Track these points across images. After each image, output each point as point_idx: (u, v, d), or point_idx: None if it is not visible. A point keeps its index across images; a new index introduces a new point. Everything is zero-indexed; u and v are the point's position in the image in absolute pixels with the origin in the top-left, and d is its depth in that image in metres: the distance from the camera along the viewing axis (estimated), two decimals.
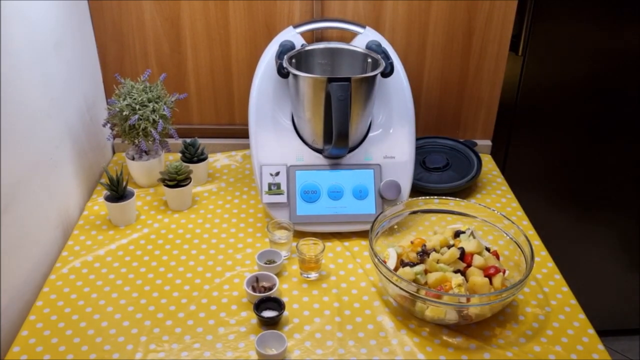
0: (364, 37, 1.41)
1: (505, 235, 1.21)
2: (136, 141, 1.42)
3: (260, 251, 1.23)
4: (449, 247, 1.18)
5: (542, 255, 1.29)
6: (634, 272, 2.11)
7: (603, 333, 1.14)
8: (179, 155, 1.51)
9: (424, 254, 1.16)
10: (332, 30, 1.53)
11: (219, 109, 1.65)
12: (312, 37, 1.54)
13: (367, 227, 1.20)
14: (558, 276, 1.22)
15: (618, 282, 2.13)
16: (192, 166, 1.44)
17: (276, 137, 1.36)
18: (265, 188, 1.31)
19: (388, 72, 1.31)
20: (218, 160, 1.63)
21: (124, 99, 1.38)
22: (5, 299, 1.07)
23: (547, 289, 1.18)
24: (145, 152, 1.47)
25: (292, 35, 1.41)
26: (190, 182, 1.40)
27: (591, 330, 1.08)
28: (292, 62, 1.34)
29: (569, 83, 1.78)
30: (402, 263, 1.15)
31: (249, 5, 1.50)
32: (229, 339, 1.05)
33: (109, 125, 1.43)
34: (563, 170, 1.93)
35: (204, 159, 1.51)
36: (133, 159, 1.47)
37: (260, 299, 1.09)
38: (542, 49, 1.72)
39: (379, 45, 1.37)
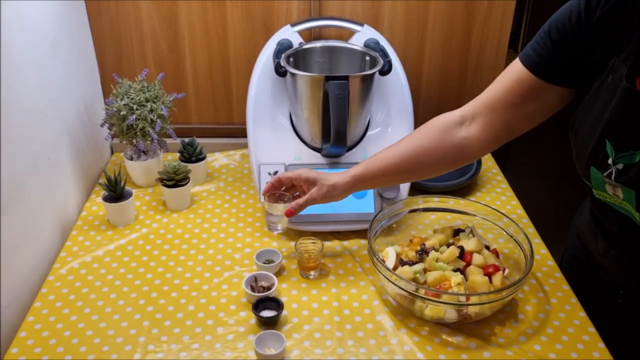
0: (362, 35, 1.40)
1: (504, 233, 1.21)
2: (134, 141, 1.42)
3: (259, 251, 1.23)
4: (448, 245, 1.17)
5: (542, 253, 1.28)
6: None
7: None
8: (178, 155, 1.50)
9: (423, 252, 1.15)
10: (330, 29, 1.53)
11: (217, 108, 1.65)
12: (310, 35, 1.54)
13: (366, 226, 1.19)
14: (558, 274, 1.22)
15: None
16: (190, 166, 1.44)
17: (274, 136, 1.36)
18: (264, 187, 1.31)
19: (386, 70, 1.31)
20: (216, 159, 1.62)
21: (121, 99, 1.37)
22: (3, 300, 1.06)
23: (548, 287, 1.18)
24: (144, 152, 1.47)
25: (290, 33, 1.40)
26: (188, 181, 1.40)
27: (592, 329, 1.08)
28: (290, 60, 1.33)
29: None
30: (401, 262, 1.15)
31: (246, 4, 1.50)
32: (227, 339, 1.05)
33: (106, 125, 1.43)
34: (562, 168, 1.92)
35: (203, 159, 1.50)
36: (131, 159, 1.46)
37: (259, 298, 1.09)
38: None
39: (377, 43, 1.37)
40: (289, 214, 1.14)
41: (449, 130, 1.08)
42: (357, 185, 1.12)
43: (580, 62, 0.94)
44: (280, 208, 1.16)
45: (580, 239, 1.18)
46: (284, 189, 1.17)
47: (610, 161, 0.90)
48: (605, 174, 0.91)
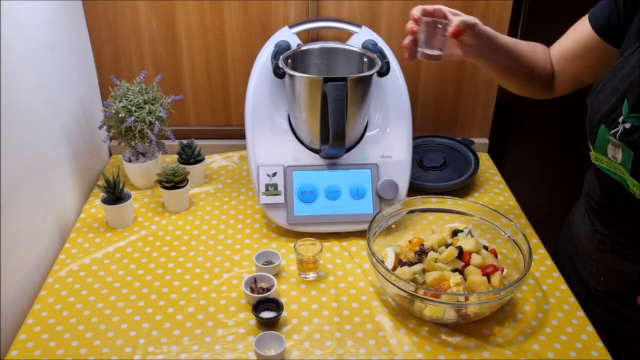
0: (360, 37, 1.41)
1: (503, 233, 1.21)
2: (133, 143, 1.42)
3: (258, 252, 1.23)
4: (447, 246, 1.18)
5: (540, 253, 1.29)
6: None
7: None
8: (176, 156, 1.51)
9: (422, 253, 1.16)
10: (328, 30, 1.53)
11: (216, 110, 1.65)
12: (308, 37, 1.54)
13: (365, 226, 1.20)
14: (556, 274, 1.22)
15: None
16: (189, 168, 1.44)
17: (273, 138, 1.36)
18: (263, 189, 1.31)
19: (384, 72, 1.31)
20: (215, 161, 1.62)
21: (119, 101, 1.37)
22: (3, 303, 1.06)
23: (546, 287, 1.18)
24: (142, 154, 1.47)
25: (288, 35, 1.40)
26: (187, 183, 1.40)
27: (590, 328, 1.08)
28: (288, 62, 1.33)
29: None
30: (400, 262, 1.15)
31: (244, 5, 1.50)
32: (227, 340, 1.05)
33: (105, 127, 1.43)
34: (560, 168, 1.93)
35: (201, 160, 1.50)
36: (130, 160, 1.46)
37: (258, 300, 1.09)
38: None
39: (375, 44, 1.37)
40: (456, 33, 1.05)
41: (545, 51, 1.19)
42: (491, 39, 1.11)
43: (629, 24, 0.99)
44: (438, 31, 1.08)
45: (572, 229, 1.23)
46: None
47: (620, 119, 0.94)
48: (612, 131, 0.96)
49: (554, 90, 1.19)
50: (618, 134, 0.95)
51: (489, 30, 1.11)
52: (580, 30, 1.10)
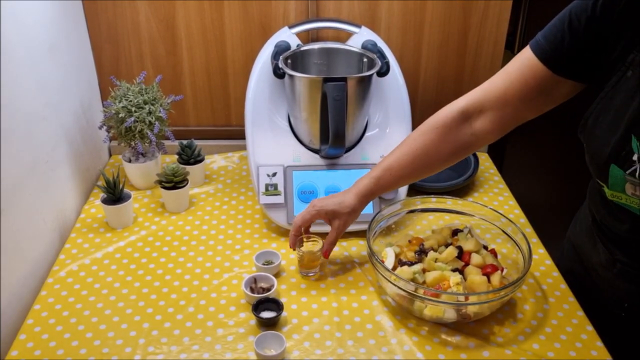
0: (360, 37, 1.41)
1: (502, 233, 1.21)
2: (132, 143, 1.42)
3: (258, 252, 1.23)
4: (447, 245, 1.18)
5: (540, 253, 1.29)
6: None
7: None
8: (176, 157, 1.51)
9: (421, 253, 1.16)
10: (328, 30, 1.53)
11: (215, 110, 1.65)
12: (308, 37, 1.55)
13: (365, 226, 1.20)
14: (556, 273, 1.22)
15: None
16: (189, 168, 1.44)
17: (273, 138, 1.36)
18: (263, 189, 1.31)
19: (384, 72, 1.31)
20: (215, 161, 1.62)
21: (119, 101, 1.37)
22: (3, 303, 1.06)
23: (545, 287, 1.19)
24: (142, 154, 1.47)
25: (288, 35, 1.41)
26: (187, 183, 1.40)
27: (590, 327, 1.08)
28: (288, 62, 1.34)
29: None
30: (400, 262, 1.15)
31: (244, 5, 1.50)
32: (227, 340, 1.05)
33: (105, 127, 1.43)
34: (560, 168, 1.93)
35: (201, 161, 1.50)
36: (130, 161, 1.46)
37: (258, 299, 1.09)
38: None
39: (375, 44, 1.37)
40: (327, 255, 1.19)
41: (453, 129, 1.07)
42: (369, 200, 1.17)
43: (598, 57, 0.90)
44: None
45: (578, 252, 1.18)
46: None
47: (635, 157, 0.86)
48: (628, 171, 0.88)
49: (476, 148, 1.09)
50: (637, 173, 0.86)
51: (362, 202, 1.14)
52: (526, 69, 0.97)
